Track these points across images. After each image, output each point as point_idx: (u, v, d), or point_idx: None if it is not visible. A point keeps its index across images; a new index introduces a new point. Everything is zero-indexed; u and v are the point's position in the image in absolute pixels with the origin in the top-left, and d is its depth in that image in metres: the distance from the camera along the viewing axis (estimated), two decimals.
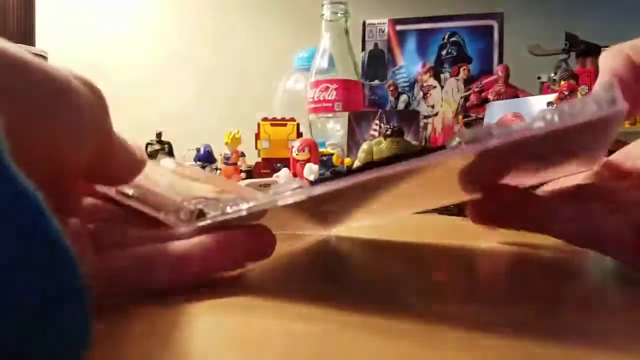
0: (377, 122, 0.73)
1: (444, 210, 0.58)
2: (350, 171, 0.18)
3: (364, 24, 0.87)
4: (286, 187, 0.19)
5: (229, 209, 0.20)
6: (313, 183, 0.18)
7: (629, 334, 0.15)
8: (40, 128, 0.14)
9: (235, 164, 0.75)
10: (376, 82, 0.86)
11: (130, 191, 0.22)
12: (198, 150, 0.83)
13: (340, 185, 0.18)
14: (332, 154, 0.66)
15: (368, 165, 0.17)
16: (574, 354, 0.13)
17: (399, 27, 0.85)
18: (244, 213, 0.19)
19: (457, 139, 0.17)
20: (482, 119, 0.69)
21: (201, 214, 0.20)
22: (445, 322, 0.15)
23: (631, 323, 0.16)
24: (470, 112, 0.77)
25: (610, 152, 0.43)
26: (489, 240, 0.33)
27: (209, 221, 0.20)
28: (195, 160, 0.83)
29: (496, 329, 0.15)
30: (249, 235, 0.20)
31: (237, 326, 0.16)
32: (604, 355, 0.13)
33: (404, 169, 0.17)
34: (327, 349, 0.14)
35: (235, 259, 0.20)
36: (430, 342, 0.14)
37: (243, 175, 0.74)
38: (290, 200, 0.18)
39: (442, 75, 0.82)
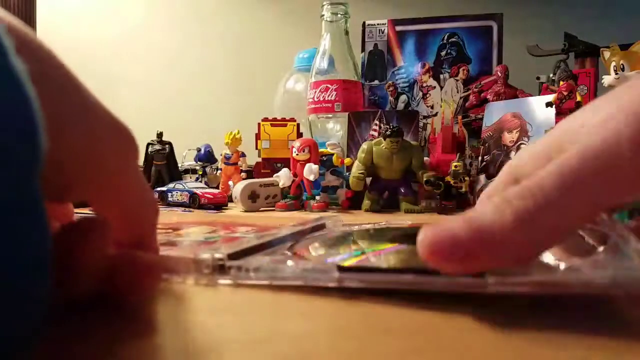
0: (376, 122, 0.73)
1: (443, 211, 0.58)
2: (387, 270, 0.19)
3: (363, 24, 0.87)
4: (318, 268, 0.19)
5: (252, 274, 0.20)
6: (343, 270, 0.19)
7: None
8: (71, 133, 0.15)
9: (235, 164, 0.75)
10: (376, 82, 0.86)
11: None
12: (198, 150, 0.84)
13: (375, 281, 0.18)
14: (332, 154, 0.66)
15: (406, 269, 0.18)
16: None
17: (398, 28, 0.85)
18: (264, 281, 0.20)
19: (494, 279, 0.16)
20: (482, 119, 0.69)
21: (222, 269, 0.20)
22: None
23: None
24: (469, 113, 0.78)
25: None
26: None
27: (229, 281, 0.20)
28: (195, 160, 0.84)
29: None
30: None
31: (239, 325, 0.16)
32: None
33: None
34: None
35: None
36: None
37: (243, 175, 0.74)
38: (318, 284, 0.19)
39: (441, 76, 0.82)
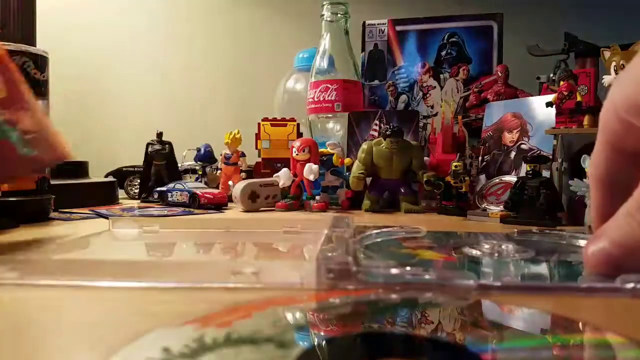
0: (376, 122, 0.73)
1: (443, 211, 0.58)
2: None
3: (364, 24, 0.87)
4: (452, 275, 0.20)
5: (381, 280, 0.20)
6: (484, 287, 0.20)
7: None
8: None
9: (235, 163, 0.75)
10: (376, 82, 0.86)
11: (249, 269, 0.21)
12: (198, 150, 0.84)
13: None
14: (332, 154, 0.66)
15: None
16: None
17: (398, 28, 0.85)
18: (393, 286, 0.20)
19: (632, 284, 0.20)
20: (482, 119, 0.69)
21: (347, 274, 0.19)
22: None
23: None
24: (469, 113, 0.78)
25: None
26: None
27: (351, 286, 0.19)
28: (195, 160, 0.84)
29: None
30: None
31: None
32: None
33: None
34: None
35: None
36: None
37: (243, 175, 0.74)
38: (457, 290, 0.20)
39: (441, 76, 0.82)
